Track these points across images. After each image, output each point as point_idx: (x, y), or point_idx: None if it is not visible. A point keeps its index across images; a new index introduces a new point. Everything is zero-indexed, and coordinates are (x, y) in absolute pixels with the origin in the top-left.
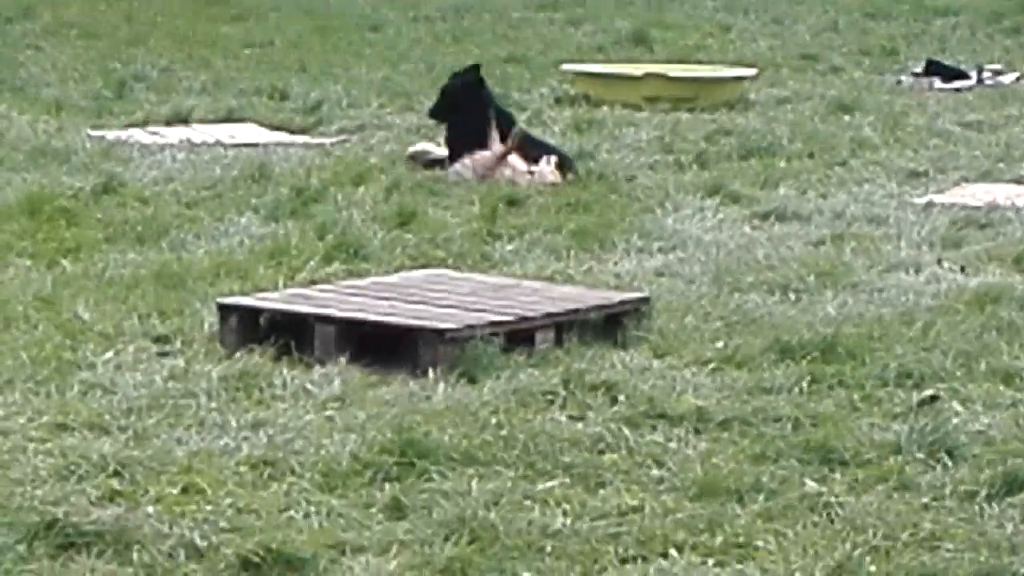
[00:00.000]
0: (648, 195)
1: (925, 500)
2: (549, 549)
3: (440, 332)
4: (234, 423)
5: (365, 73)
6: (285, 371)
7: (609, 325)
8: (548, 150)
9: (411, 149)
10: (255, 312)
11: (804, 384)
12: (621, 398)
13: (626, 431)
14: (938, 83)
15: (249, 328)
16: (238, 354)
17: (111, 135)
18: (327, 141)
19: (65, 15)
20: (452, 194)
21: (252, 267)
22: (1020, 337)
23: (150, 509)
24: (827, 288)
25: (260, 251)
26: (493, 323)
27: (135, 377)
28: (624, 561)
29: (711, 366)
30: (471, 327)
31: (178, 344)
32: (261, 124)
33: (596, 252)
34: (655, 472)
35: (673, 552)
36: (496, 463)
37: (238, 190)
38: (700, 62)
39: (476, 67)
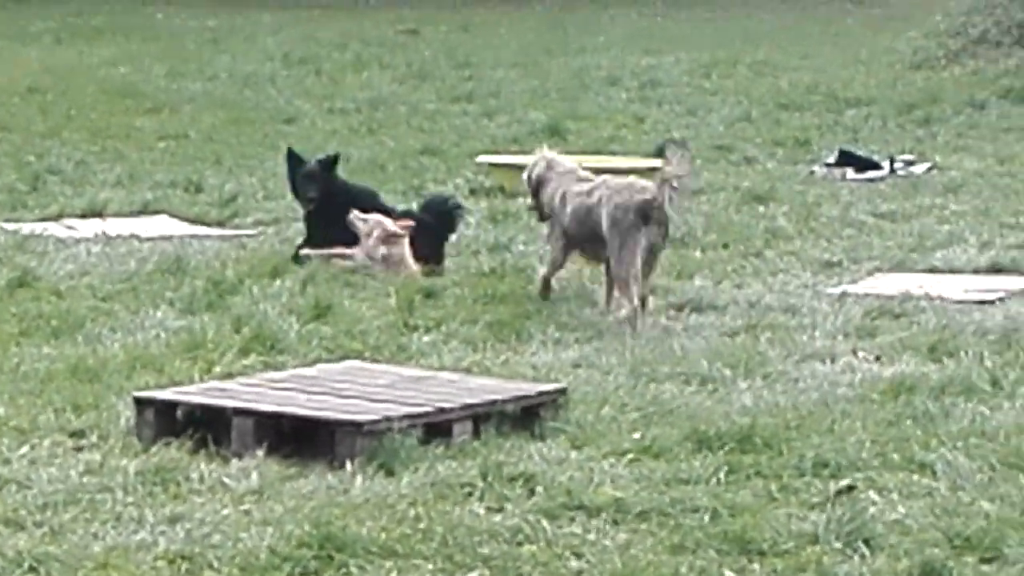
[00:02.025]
0: (564, 286)
1: None
2: None
3: (358, 424)
4: (151, 517)
5: (280, 166)
6: (202, 465)
7: (526, 417)
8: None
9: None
10: (172, 406)
11: (722, 474)
12: (539, 489)
13: (544, 523)
14: (851, 173)
15: (166, 422)
16: (154, 448)
17: (25, 228)
18: (242, 234)
19: None
20: (368, 286)
21: (168, 360)
22: (935, 426)
23: None
24: (743, 378)
25: (176, 344)
26: (410, 415)
27: (51, 472)
28: None
29: (629, 457)
30: (388, 419)
31: (94, 438)
32: (176, 217)
33: (513, 344)
34: (574, 563)
35: None
36: (415, 556)
37: (153, 283)
38: (614, 153)
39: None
